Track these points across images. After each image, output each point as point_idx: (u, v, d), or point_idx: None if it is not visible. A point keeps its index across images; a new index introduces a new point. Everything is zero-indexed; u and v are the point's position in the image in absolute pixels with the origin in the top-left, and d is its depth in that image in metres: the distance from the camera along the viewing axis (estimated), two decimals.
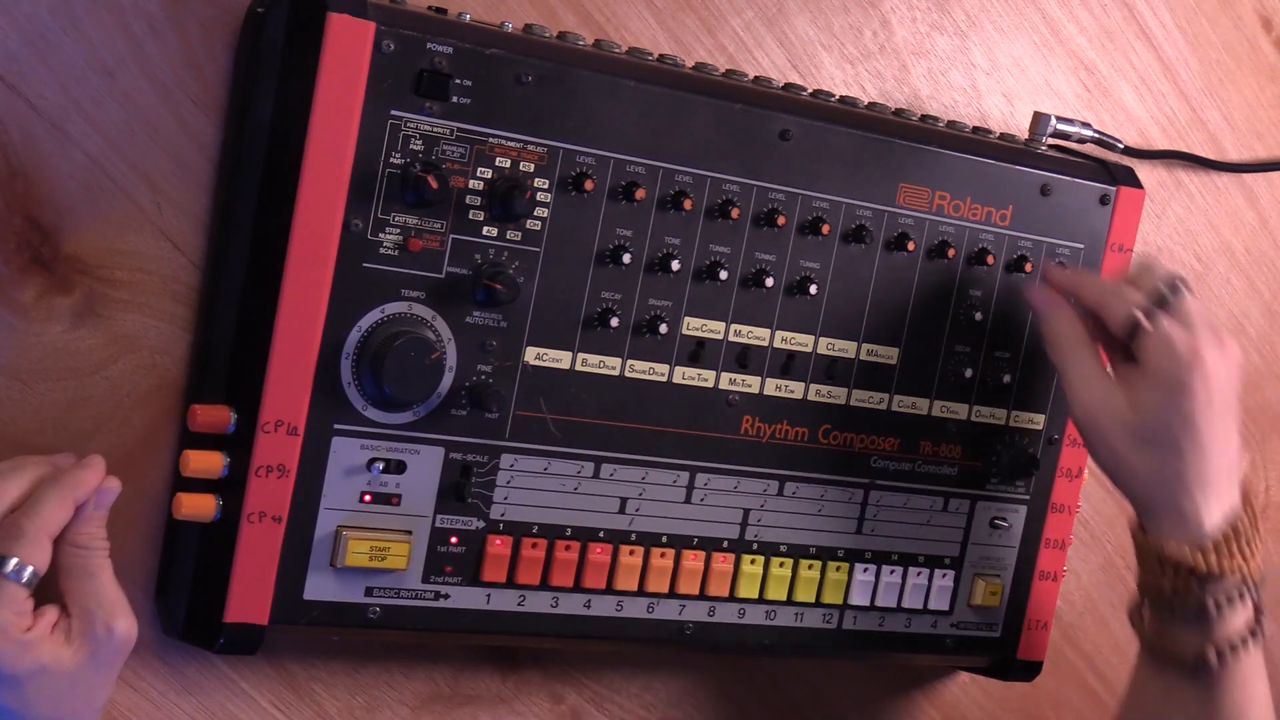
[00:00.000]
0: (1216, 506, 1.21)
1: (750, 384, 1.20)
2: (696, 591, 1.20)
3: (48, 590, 0.99)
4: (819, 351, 1.22)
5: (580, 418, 1.14)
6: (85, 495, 0.99)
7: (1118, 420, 1.20)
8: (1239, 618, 1.20)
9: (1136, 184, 1.34)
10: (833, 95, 1.24)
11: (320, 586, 1.07)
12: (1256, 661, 1.21)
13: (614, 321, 1.13)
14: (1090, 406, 1.21)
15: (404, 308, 1.07)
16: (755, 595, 1.22)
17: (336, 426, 1.06)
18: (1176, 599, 1.20)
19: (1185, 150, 1.48)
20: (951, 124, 1.29)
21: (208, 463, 1.04)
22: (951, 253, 1.25)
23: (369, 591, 1.09)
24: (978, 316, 1.27)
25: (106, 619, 0.98)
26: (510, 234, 1.09)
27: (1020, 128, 1.38)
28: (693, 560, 1.19)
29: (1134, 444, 1.20)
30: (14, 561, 0.95)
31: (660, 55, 1.17)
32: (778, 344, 1.20)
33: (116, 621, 0.99)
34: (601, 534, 1.16)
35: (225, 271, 1.06)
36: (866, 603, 1.27)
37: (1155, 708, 1.23)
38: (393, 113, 1.04)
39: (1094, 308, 1.24)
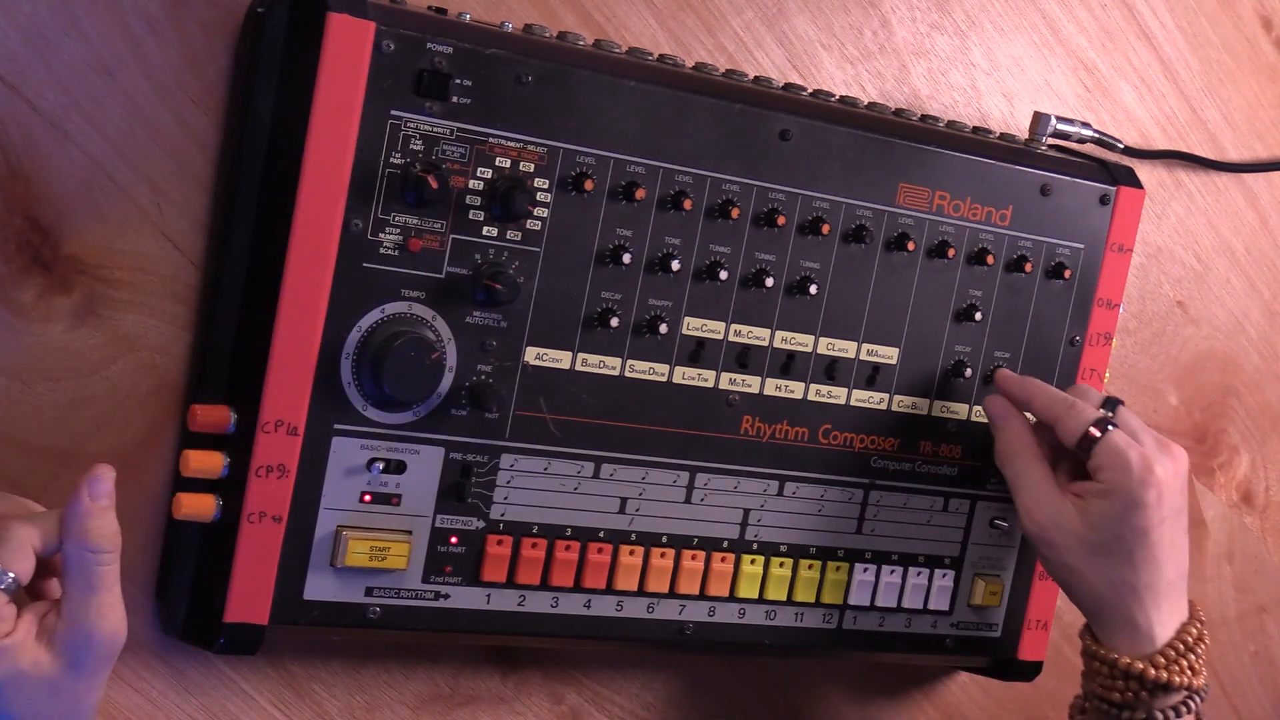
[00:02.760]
0: (1168, 618, 1.23)
1: (750, 384, 1.20)
2: (696, 591, 1.20)
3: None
4: (819, 351, 1.22)
5: (580, 418, 1.14)
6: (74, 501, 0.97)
7: (1069, 532, 1.22)
8: None
9: (1136, 184, 1.34)
10: (833, 95, 1.24)
11: (320, 586, 1.07)
12: None
13: (614, 321, 1.13)
14: (1041, 519, 1.23)
15: (404, 308, 1.07)
16: (755, 595, 1.22)
17: (336, 426, 1.06)
18: (1125, 709, 1.22)
19: (1185, 150, 1.48)
20: (951, 124, 1.28)
21: (208, 463, 1.04)
22: (951, 253, 1.25)
23: (369, 591, 1.09)
24: (978, 316, 1.27)
25: (89, 628, 0.96)
26: (510, 234, 1.09)
27: (1020, 128, 1.38)
28: (693, 560, 1.19)
29: (1087, 555, 1.22)
30: None
31: (660, 55, 1.17)
32: (778, 344, 1.20)
33: (97, 629, 0.96)
34: (601, 534, 1.16)
35: (225, 271, 1.06)
36: (866, 603, 1.27)
37: None
38: (393, 113, 1.04)
39: (1046, 419, 1.25)
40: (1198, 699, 1.23)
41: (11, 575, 0.94)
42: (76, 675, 0.96)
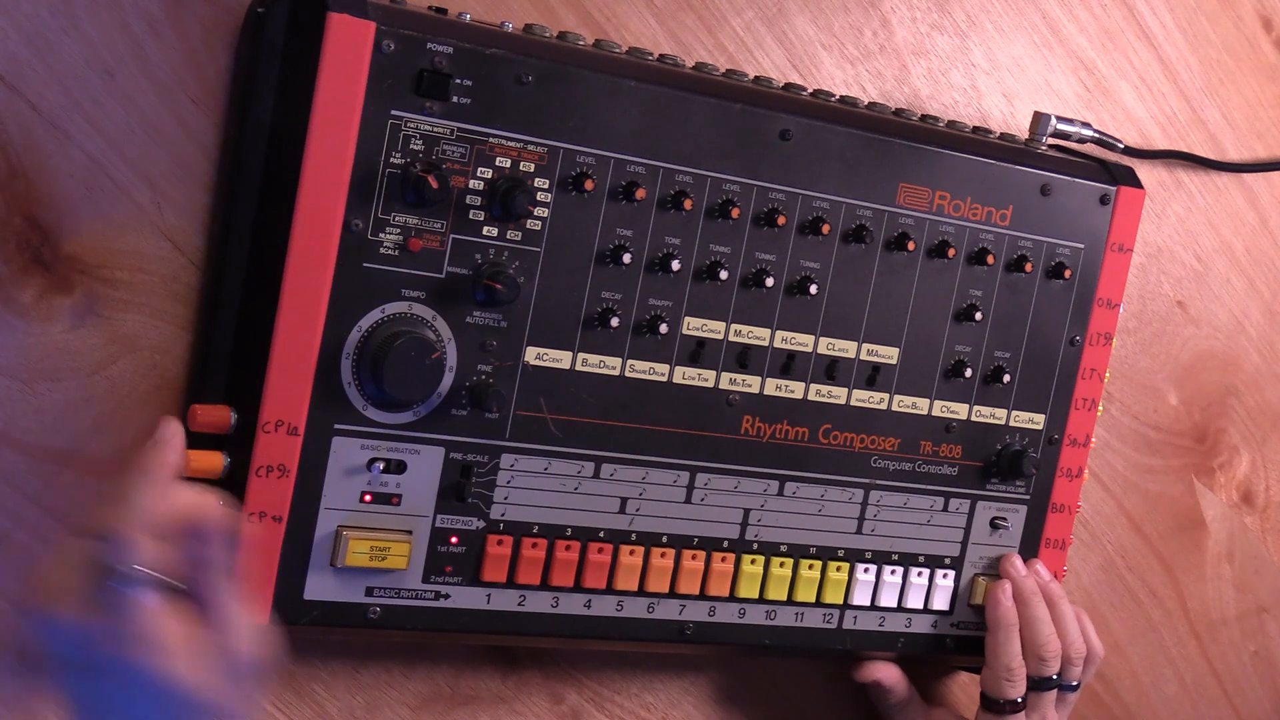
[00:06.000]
0: None
1: (750, 384, 1.20)
2: (696, 591, 1.20)
3: None
4: (819, 351, 1.22)
5: (580, 418, 1.14)
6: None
7: None
8: None
9: (1136, 184, 1.34)
10: (833, 95, 1.24)
11: (320, 586, 1.07)
12: None
13: (614, 321, 1.13)
14: None
15: (404, 308, 1.07)
16: (755, 595, 1.22)
17: (337, 426, 1.06)
18: None
19: (1185, 150, 1.48)
20: (951, 124, 1.29)
21: (208, 463, 1.04)
22: (951, 253, 1.25)
23: (369, 591, 1.09)
24: (978, 316, 1.27)
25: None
26: (510, 234, 1.09)
27: (1020, 128, 1.38)
28: (693, 560, 1.19)
29: None
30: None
31: (660, 55, 1.17)
32: (778, 344, 1.20)
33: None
34: (601, 534, 1.16)
35: (225, 271, 1.06)
36: (867, 603, 1.27)
37: None
38: (393, 113, 1.04)
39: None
40: None
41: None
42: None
